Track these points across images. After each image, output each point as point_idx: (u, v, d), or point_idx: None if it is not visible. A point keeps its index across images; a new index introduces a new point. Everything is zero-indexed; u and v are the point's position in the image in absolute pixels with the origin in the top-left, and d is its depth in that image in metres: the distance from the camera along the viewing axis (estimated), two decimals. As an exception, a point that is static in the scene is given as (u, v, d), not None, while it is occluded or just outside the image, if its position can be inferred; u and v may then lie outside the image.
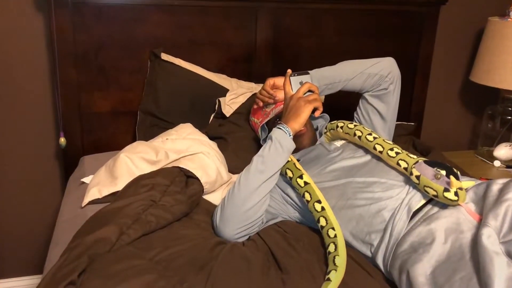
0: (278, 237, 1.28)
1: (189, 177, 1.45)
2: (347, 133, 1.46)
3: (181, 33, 1.94)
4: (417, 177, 1.20)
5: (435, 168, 1.19)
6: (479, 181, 1.24)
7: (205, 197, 1.49)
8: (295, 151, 1.48)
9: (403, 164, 1.26)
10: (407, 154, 1.29)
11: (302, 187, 1.31)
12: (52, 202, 2.07)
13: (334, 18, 2.09)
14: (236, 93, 1.89)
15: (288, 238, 1.27)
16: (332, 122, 1.53)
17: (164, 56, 1.89)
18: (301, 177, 1.32)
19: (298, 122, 1.32)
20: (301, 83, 1.38)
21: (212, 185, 1.48)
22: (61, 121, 1.87)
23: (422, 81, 2.30)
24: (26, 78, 1.91)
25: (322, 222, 1.25)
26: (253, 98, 1.85)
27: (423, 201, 1.21)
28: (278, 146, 1.29)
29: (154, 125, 1.87)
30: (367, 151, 1.40)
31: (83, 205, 1.44)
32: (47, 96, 1.95)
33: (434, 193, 1.16)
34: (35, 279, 2.16)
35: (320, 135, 1.62)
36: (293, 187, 1.37)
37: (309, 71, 1.44)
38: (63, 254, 1.12)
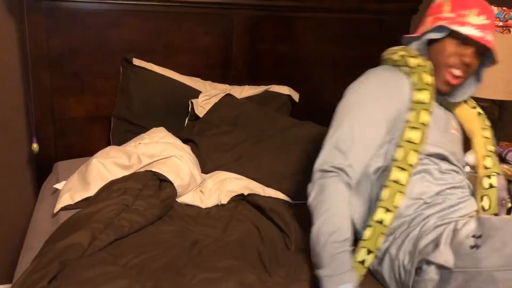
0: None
1: (162, 180, 1.45)
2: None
3: (157, 39, 1.93)
4: (491, 185, 1.19)
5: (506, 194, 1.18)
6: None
7: (178, 199, 1.49)
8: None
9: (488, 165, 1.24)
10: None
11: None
12: (24, 209, 2.02)
13: (311, 26, 2.12)
14: (209, 95, 1.90)
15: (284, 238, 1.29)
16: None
17: (136, 62, 1.88)
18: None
19: None
20: None
21: (185, 188, 1.48)
22: (33, 126, 1.84)
23: (395, 88, 2.34)
24: (-3, 82, 1.87)
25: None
26: (225, 98, 1.88)
27: None
28: None
29: (128, 131, 1.85)
30: None
31: (55, 211, 1.42)
32: (20, 101, 1.91)
33: (487, 207, 1.17)
34: (5, 288, 2.11)
35: None
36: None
37: None
38: (33, 260, 1.11)
